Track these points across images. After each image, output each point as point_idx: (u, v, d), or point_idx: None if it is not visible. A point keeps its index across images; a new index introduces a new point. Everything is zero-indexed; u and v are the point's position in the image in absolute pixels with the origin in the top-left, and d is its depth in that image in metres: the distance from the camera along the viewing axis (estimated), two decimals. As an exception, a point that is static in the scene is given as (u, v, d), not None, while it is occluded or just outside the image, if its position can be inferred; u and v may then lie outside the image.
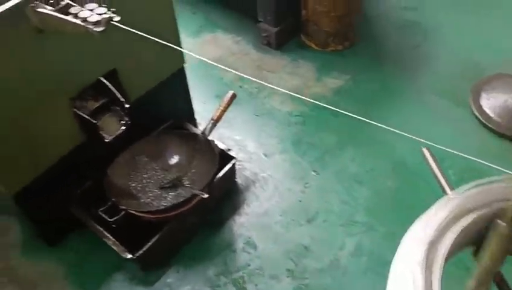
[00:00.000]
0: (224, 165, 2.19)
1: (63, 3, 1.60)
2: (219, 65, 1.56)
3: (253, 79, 1.62)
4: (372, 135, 2.46)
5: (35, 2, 1.56)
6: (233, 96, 2.25)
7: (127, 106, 2.03)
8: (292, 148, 2.51)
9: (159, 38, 1.44)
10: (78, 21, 1.55)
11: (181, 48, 2.27)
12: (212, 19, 3.34)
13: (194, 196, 1.98)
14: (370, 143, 2.47)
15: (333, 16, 2.82)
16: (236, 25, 3.26)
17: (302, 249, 2.10)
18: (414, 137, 1.14)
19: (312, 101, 1.95)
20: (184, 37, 2.42)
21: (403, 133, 1.19)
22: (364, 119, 1.30)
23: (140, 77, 2.16)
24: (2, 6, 1.50)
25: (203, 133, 2.23)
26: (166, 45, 1.47)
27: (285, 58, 3.02)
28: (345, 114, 1.29)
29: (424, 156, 1.39)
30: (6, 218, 2.23)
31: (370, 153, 2.43)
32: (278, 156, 2.47)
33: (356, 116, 1.30)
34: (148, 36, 1.47)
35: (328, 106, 1.42)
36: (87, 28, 1.54)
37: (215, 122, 2.22)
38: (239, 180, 2.36)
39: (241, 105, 2.72)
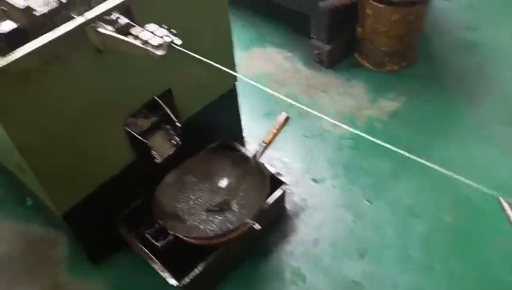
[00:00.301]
0: (273, 190, 2.11)
1: (123, 22, 1.58)
2: (275, 93, 1.49)
3: (302, 106, 1.49)
4: (434, 161, 2.30)
5: (97, 23, 1.54)
6: (287, 120, 2.17)
7: (179, 125, 2.00)
8: (343, 174, 2.39)
9: (214, 58, 1.39)
10: (138, 43, 1.52)
11: (235, 70, 2.22)
12: (262, 33, 3.28)
13: (245, 223, 1.90)
14: (427, 173, 2.31)
15: (391, 36, 2.69)
16: (287, 40, 3.18)
17: (353, 285, 1.98)
18: (478, 181, 0.99)
19: (360, 133, 1.83)
20: (233, 51, 2.36)
21: (467, 181, 1.05)
22: (423, 161, 1.17)
23: (193, 96, 2.11)
24: (65, 26, 1.48)
25: (254, 156, 2.15)
26: (221, 63, 1.40)
27: (337, 77, 2.91)
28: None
29: (501, 206, 1.27)
30: (55, 231, 2.23)
31: (427, 184, 2.28)
32: (329, 182, 2.37)
33: (414, 157, 1.18)
34: (207, 60, 1.42)
35: (382, 143, 1.29)
36: (148, 50, 1.51)
37: (266, 145, 2.15)
38: (287, 205, 2.27)
39: (290, 125, 2.60)
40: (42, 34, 1.56)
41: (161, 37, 1.52)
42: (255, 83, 1.46)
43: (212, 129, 2.30)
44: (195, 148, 2.24)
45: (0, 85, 1.37)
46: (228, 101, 2.35)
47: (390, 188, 2.30)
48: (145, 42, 1.52)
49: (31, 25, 1.54)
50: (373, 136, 2.52)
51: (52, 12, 1.57)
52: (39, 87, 1.49)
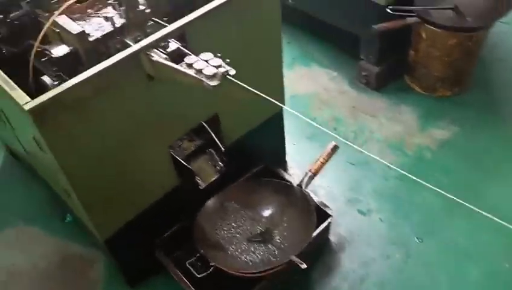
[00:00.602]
0: (318, 221, 2.02)
1: (177, 50, 1.53)
2: (320, 127, 1.43)
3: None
4: (489, 201, 2.16)
5: (150, 50, 1.49)
6: (335, 149, 2.07)
7: (223, 150, 1.94)
8: (391, 207, 2.27)
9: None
10: (192, 72, 1.46)
11: (283, 94, 2.15)
12: (307, 51, 3.19)
13: (290, 261, 1.81)
14: (485, 211, 2.16)
15: (447, 61, 2.55)
16: (333, 60, 3.08)
17: (401, 330, 1.86)
18: None
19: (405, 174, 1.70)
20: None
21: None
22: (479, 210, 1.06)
23: (239, 121, 2.05)
24: (120, 54, 1.43)
25: (299, 185, 2.07)
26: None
27: (385, 100, 2.79)
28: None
29: None
30: (94, 250, 2.21)
31: (485, 224, 2.11)
32: (375, 215, 2.25)
33: (467, 204, 1.08)
34: (257, 92, 1.36)
35: (431, 186, 1.18)
36: (201, 80, 1.45)
37: (313, 175, 2.06)
38: (332, 237, 2.17)
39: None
40: (95, 59, 1.53)
41: (215, 67, 1.47)
42: (301, 116, 1.40)
43: (256, 153, 2.23)
44: (237, 173, 2.18)
45: (52, 114, 1.33)
46: (274, 125, 2.28)
47: (442, 225, 2.16)
48: (199, 71, 1.47)
49: (84, 49, 1.51)
50: (423, 167, 2.43)
51: (105, 37, 1.54)
52: (89, 114, 1.45)
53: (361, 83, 2.89)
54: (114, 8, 1.60)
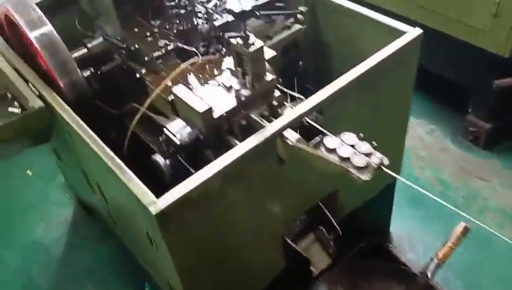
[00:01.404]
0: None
1: (307, 124, 1.29)
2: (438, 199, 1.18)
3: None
4: None
5: (288, 134, 1.24)
6: (466, 231, 1.76)
7: (340, 233, 1.67)
8: (523, 298, 1.93)
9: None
10: (336, 159, 1.21)
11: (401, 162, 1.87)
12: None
13: None
14: None
15: None
16: (430, 111, 2.77)
17: None
18: None
19: None
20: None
21: None
22: None
23: (354, 195, 1.78)
24: (253, 138, 1.19)
25: (422, 273, 1.76)
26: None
27: (497, 162, 2.45)
28: None
29: None
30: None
31: None
32: (505, 308, 1.91)
33: None
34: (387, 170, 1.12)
35: None
36: (348, 171, 1.20)
37: (440, 262, 1.74)
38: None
39: (444, 220, 2.20)
40: (216, 137, 1.30)
41: (365, 155, 1.21)
42: (423, 190, 1.18)
43: (363, 226, 1.95)
44: (345, 248, 1.90)
45: (177, 213, 1.10)
46: (386, 194, 2.00)
47: None
48: (345, 160, 1.22)
49: (206, 127, 1.28)
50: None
51: (230, 113, 1.31)
52: (212, 207, 1.21)
53: (467, 140, 2.56)
54: (234, 75, 1.37)
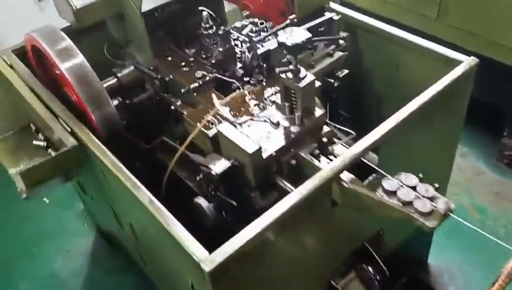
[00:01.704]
0: None
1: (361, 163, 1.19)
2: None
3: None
4: None
5: (344, 176, 1.14)
6: (518, 269, 1.64)
7: (387, 274, 1.55)
8: None
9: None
10: (396, 203, 1.12)
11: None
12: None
13: None
14: None
15: None
16: (463, 132, 2.66)
17: None
18: None
19: None
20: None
21: None
22: None
23: (398, 232, 1.67)
24: (309, 182, 1.09)
25: (472, 315, 1.65)
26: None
27: (536, 187, 2.34)
28: None
29: None
30: None
31: None
32: None
33: None
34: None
35: None
36: (413, 218, 1.10)
37: (492, 303, 1.63)
38: None
39: (480, 251, 2.07)
40: (265, 179, 1.21)
41: (429, 199, 1.12)
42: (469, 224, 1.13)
43: (404, 261, 1.84)
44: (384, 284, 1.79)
45: (228, 268, 0.99)
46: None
47: None
48: (407, 204, 1.12)
49: (255, 168, 1.18)
50: None
51: (279, 152, 1.21)
52: (264, 257, 1.11)
53: (502, 163, 2.46)
54: (279, 109, 1.27)
